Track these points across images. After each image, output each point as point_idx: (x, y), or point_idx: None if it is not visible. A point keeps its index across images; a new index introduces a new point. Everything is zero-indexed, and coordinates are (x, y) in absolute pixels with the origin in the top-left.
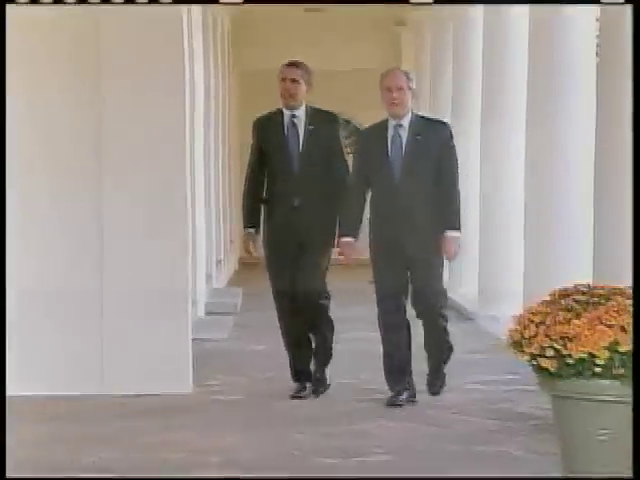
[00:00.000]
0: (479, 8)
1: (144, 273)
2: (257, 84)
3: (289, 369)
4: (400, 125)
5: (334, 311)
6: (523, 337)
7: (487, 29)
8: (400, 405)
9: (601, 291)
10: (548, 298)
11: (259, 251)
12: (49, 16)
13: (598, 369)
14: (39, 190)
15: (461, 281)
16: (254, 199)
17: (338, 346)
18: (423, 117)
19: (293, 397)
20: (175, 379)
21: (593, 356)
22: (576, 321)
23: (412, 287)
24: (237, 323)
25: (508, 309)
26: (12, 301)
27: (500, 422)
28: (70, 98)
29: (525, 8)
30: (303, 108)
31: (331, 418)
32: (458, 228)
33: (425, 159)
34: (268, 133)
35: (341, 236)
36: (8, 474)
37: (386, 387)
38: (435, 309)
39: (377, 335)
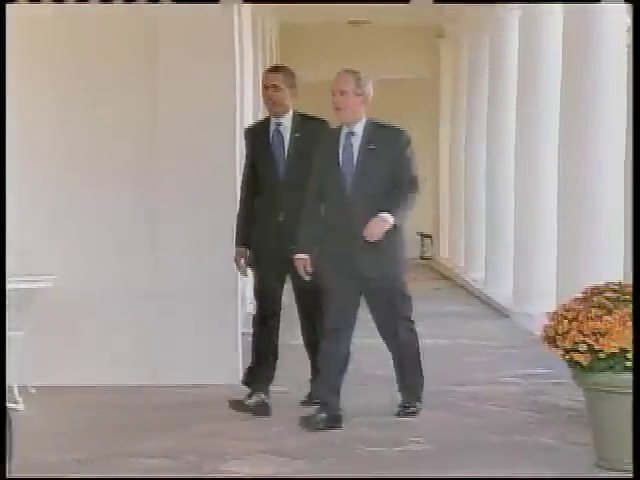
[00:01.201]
0: (515, 22)
1: (197, 273)
2: (302, 93)
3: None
4: (352, 133)
5: (364, 306)
6: (557, 333)
7: (522, 43)
8: (318, 425)
9: (631, 289)
10: (580, 296)
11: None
12: (105, 14)
13: (629, 363)
14: (101, 191)
15: (497, 280)
16: (245, 216)
17: (377, 341)
18: (378, 124)
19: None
20: (225, 370)
21: (624, 351)
22: (608, 317)
23: (371, 315)
24: (283, 318)
25: (542, 306)
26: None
27: (535, 413)
28: (126, 101)
29: (560, 22)
30: (289, 115)
31: (374, 409)
32: (393, 216)
33: (379, 170)
34: (255, 143)
35: (297, 252)
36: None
37: (427, 379)
38: (399, 337)
39: (419, 329)
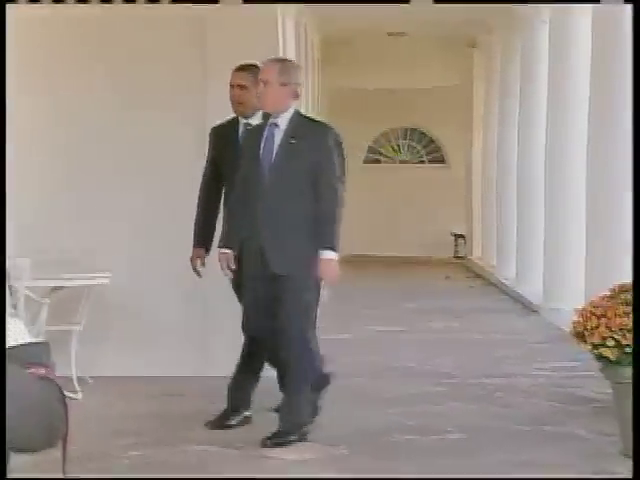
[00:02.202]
0: (545, 30)
1: None
2: (343, 100)
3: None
4: (275, 125)
5: (413, 303)
6: (585, 328)
7: (552, 48)
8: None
9: None
10: (608, 293)
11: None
12: (153, 15)
13: None
14: (153, 194)
15: (527, 278)
16: (205, 217)
17: (416, 335)
18: (306, 118)
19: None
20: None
21: None
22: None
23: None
24: (324, 313)
25: (570, 303)
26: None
27: (564, 405)
28: (176, 105)
29: (589, 25)
30: (259, 115)
31: (409, 399)
32: (334, 249)
33: (297, 166)
34: (221, 143)
35: (219, 247)
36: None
37: (460, 371)
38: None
39: (452, 324)
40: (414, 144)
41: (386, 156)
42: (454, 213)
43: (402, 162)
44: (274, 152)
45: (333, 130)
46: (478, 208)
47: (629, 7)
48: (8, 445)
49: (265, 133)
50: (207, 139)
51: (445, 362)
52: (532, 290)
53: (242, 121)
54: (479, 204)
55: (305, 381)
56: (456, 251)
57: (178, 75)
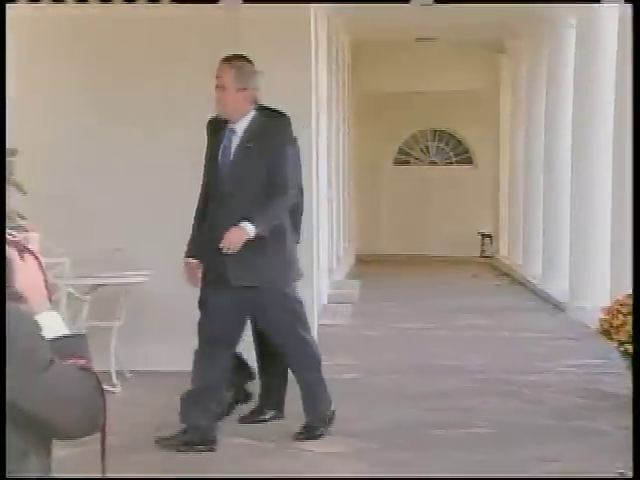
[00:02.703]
0: (572, 36)
1: None
2: (374, 104)
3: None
4: (233, 131)
5: (441, 301)
6: (612, 326)
7: (579, 55)
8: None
9: None
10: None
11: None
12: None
13: None
14: (190, 189)
15: (554, 276)
16: (197, 224)
17: (445, 332)
18: (265, 118)
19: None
20: None
21: None
22: None
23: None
24: (355, 311)
25: (596, 301)
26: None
27: (590, 400)
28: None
29: (614, 34)
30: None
31: (439, 395)
32: (256, 225)
33: (253, 170)
34: (211, 140)
35: (185, 256)
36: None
37: (489, 368)
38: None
39: (480, 322)
40: (442, 146)
41: (415, 157)
42: (481, 213)
43: (431, 163)
44: (231, 157)
45: (286, 128)
46: (505, 208)
47: None
48: (51, 434)
49: (223, 139)
50: None
51: (474, 359)
52: (558, 288)
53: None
54: (506, 204)
55: (319, 371)
56: (483, 250)
57: (209, 73)
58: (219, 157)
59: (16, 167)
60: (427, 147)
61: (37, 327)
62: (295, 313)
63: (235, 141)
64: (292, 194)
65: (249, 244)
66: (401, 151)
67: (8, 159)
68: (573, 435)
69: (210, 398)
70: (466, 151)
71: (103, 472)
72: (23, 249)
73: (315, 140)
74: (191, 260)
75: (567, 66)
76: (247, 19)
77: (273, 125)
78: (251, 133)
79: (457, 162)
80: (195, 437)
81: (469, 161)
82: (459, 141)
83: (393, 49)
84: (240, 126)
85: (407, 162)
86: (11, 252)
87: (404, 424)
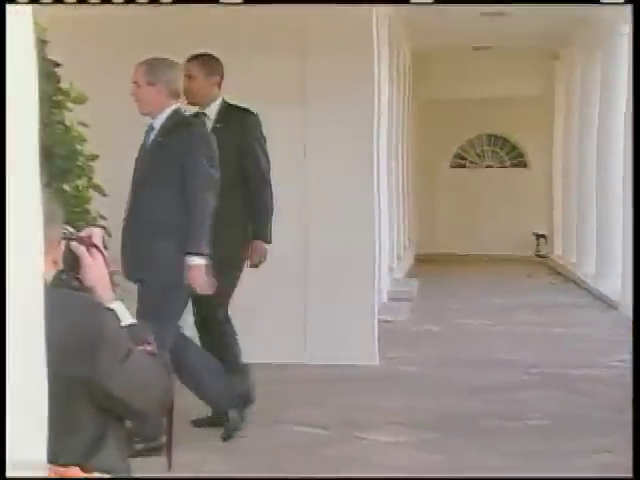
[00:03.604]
0: (624, 43)
1: (340, 265)
2: (432, 110)
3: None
4: (152, 127)
5: (497, 298)
6: None
7: (632, 61)
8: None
9: None
10: None
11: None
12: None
13: None
14: None
15: (606, 275)
16: None
17: (500, 328)
18: (181, 115)
19: None
20: (364, 352)
21: None
22: None
23: None
24: (413, 308)
25: None
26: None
27: None
28: (276, 106)
29: None
30: (214, 106)
31: (495, 388)
32: (201, 253)
33: (163, 167)
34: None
35: None
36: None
37: (544, 362)
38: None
39: (535, 318)
40: (497, 150)
41: (471, 161)
42: (535, 214)
43: (486, 166)
44: (147, 154)
45: (201, 127)
46: (559, 209)
47: None
48: (127, 416)
49: (145, 136)
50: (305, 139)
51: (529, 353)
52: (611, 286)
53: (200, 111)
54: (560, 205)
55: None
56: (537, 250)
57: (279, 76)
58: (141, 153)
59: (95, 171)
60: (483, 151)
61: (118, 319)
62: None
63: (150, 138)
64: (207, 196)
65: (142, 238)
66: (457, 155)
67: (89, 163)
68: (624, 428)
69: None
70: (520, 155)
71: (169, 453)
72: (90, 245)
73: (376, 144)
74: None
75: (620, 71)
76: (311, 27)
77: (186, 124)
78: (164, 129)
79: (512, 165)
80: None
81: (523, 164)
82: (514, 146)
83: (451, 57)
84: (157, 122)
85: (463, 165)
86: (80, 249)
87: (462, 415)
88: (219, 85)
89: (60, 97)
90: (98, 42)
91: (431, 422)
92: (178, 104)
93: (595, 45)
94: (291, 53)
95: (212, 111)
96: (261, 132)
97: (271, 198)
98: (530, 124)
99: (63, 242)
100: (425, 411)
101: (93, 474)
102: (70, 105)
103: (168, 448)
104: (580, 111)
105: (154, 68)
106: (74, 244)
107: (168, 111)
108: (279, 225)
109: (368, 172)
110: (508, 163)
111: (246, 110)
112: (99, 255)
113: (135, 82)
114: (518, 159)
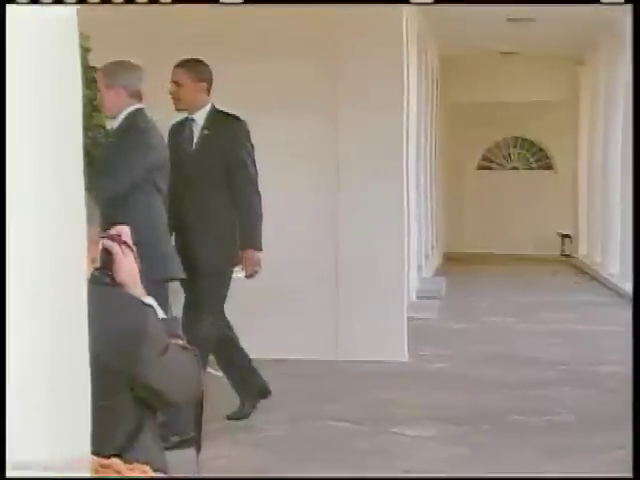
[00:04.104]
0: None
1: (370, 264)
2: (460, 113)
3: None
4: (112, 128)
5: (524, 296)
6: None
7: (634, 65)
8: None
9: None
10: None
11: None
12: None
13: None
14: (289, 185)
15: (630, 273)
16: None
17: (528, 326)
18: (136, 119)
19: None
20: (394, 349)
21: None
22: None
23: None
24: (442, 306)
25: None
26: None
27: None
28: (308, 104)
29: None
30: (202, 112)
31: (522, 384)
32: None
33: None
34: (170, 141)
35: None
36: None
37: (570, 359)
38: None
39: (561, 316)
40: (524, 152)
41: (498, 163)
42: (560, 215)
43: (512, 168)
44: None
45: (146, 135)
46: (584, 210)
47: None
48: (161, 405)
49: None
50: (338, 137)
51: (556, 350)
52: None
53: (189, 117)
54: (585, 206)
55: None
56: (562, 250)
57: (310, 75)
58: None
59: None
60: (509, 154)
61: (157, 314)
62: None
63: (110, 139)
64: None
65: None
66: (484, 157)
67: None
68: None
69: None
70: (546, 157)
71: (198, 445)
72: (121, 242)
73: (405, 147)
74: None
75: None
76: (341, 32)
77: (134, 129)
78: (117, 131)
79: (538, 167)
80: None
81: (549, 166)
82: (540, 148)
83: (479, 62)
84: (116, 123)
85: (489, 167)
86: (115, 246)
87: (489, 410)
88: (208, 91)
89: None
90: (132, 45)
91: (459, 417)
92: (138, 105)
93: (619, 50)
94: (320, 57)
95: (200, 117)
96: (248, 138)
97: (260, 205)
98: (556, 127)
99: (101, 241)
100: (453, 406)
101: (133, 464)
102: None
103: (197, 440)
104: (605, 114)
105: (110, 71)
106: (108, 242)
107: (125, 112)
108: (311, 226)
109: (398, 174)
110: (534, 165)
111: (234, 117)
112: (129, 252)
113: (99, 87)
114: (544, 161)
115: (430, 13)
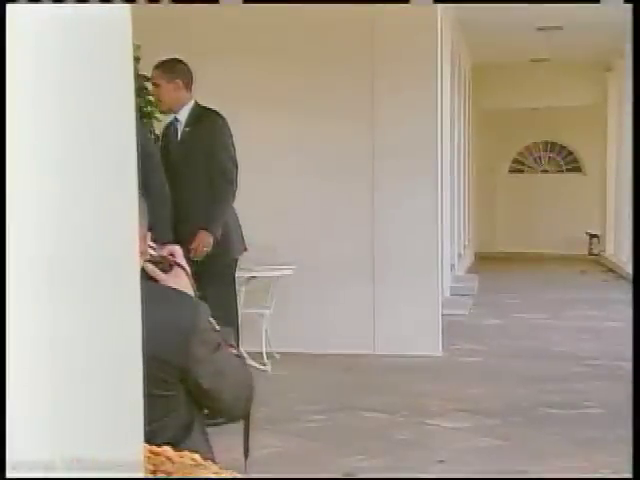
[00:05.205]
0: None
1: (405, 262)
2: (492, 119)
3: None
4: None
5: (553, 294)
6: None
7: (634, 65)
8: None
9: None
10: None
11: None
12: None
13: None
14: (329, 189)
15: None
16: None
17: (558, 322)
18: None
19: None
20: (429, 344)
21: None
22: None
23: None
24: (474, 302)
25: None
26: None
27: None
28: (346, 106)
29: None
30: (185, 110)
31: (553, 378)
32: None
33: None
34: (161, 140)
35: None
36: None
37: (600, 354)
38: None
39: (590, 313)
40: (554, 155)
41: (528, 166)
42: (589, 215)
43: (543, 171)
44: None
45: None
46: (611, 210)
47: None
48: (214, 411)
49: None
50: (372, 141)
51: (585, 346)
52: None
53: (175, 117)
54: (612, 207)
55: None
56: (590, 249)
57: (348, 76)
58: None
59: None
60: (540, 157)
61: (209, 312)
62: None
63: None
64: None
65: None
66: (515, 161)
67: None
68: None
69: None
70: (575, 160)
71: (246, 451)
72: (172, 263)
73: (440, 151)
74: None
75: None
76: (377, 39)
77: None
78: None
79: (567, 170)
80: None
81: (578, 169)
82: (570, 152)
83: (510, 69)
84: (182, 116)
85: (521, 170)
86: (156, 271)
87: (522, 403)
88: (187, 87)
89: (150, 108)
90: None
91: (492, 409)
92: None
93: None
94: (357, 60)
95: (183, 116)
96: (228, 132)
97: (232, 198)
98: (585, 131)
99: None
100: (486, 399)
101: (184, 452)
102: (158, 116)
103: (245, 448)
104: (632, 119)
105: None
106: (150, 267)
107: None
108: (349, 226)
109: (432, 176)
110: (564, 168)
111: (212, 111)
112: (182, 273)
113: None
114: (573, 164)
115: (463, 22)
